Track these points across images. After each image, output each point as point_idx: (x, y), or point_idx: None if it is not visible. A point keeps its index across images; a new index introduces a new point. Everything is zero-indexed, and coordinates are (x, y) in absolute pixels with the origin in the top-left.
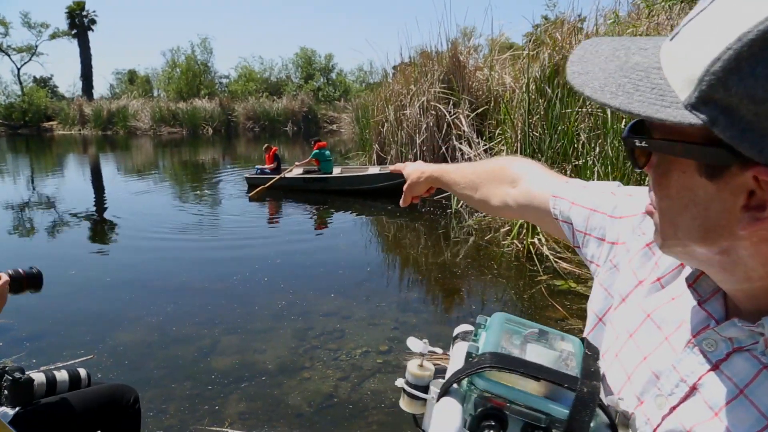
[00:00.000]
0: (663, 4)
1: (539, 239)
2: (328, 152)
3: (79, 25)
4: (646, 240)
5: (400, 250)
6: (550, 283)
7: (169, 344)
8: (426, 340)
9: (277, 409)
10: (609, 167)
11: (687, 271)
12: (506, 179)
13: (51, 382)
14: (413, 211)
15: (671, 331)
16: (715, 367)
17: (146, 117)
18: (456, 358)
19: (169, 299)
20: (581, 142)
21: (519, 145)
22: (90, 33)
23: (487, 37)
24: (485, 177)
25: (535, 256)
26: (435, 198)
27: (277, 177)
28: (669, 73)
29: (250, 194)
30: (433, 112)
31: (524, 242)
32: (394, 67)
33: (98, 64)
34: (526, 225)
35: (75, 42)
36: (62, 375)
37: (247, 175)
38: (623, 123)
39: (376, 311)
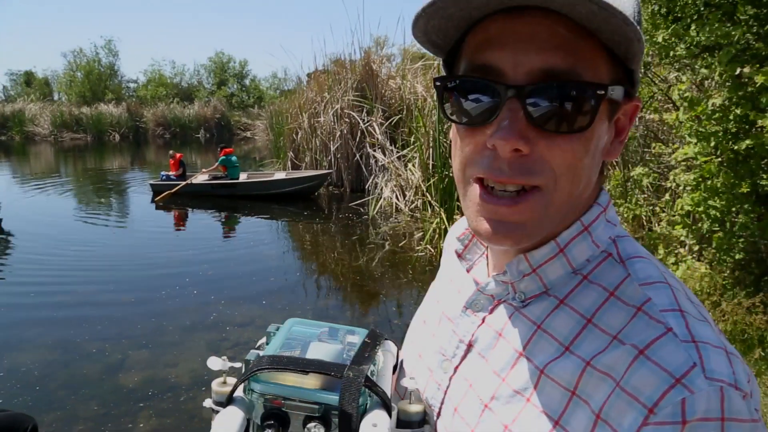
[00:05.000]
0: None
1: None
2: (234, 158)
3: None
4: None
5: (317, 256)
6: None
7: (73, 363)
8: (225, 358)
9: (191, 423)
10: None
11: (461, 264)
12: None
13: None
14: (330, 217)
15: (447, 307)
16: (482, 322)
17: (46, 122)
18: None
19: (71, 315)
20: None
21: (431, 152)
22: None
23: (400, 47)
24: None
25: None
26: (351, 204)
27: (184, 183)
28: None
29: (156, 199)
30: (347, 119)
31: (437, 247)
32: (308, 75)
33: None
34: (438, 230)
35: None
36: None
37: (152, 182)
38: None
39: None
